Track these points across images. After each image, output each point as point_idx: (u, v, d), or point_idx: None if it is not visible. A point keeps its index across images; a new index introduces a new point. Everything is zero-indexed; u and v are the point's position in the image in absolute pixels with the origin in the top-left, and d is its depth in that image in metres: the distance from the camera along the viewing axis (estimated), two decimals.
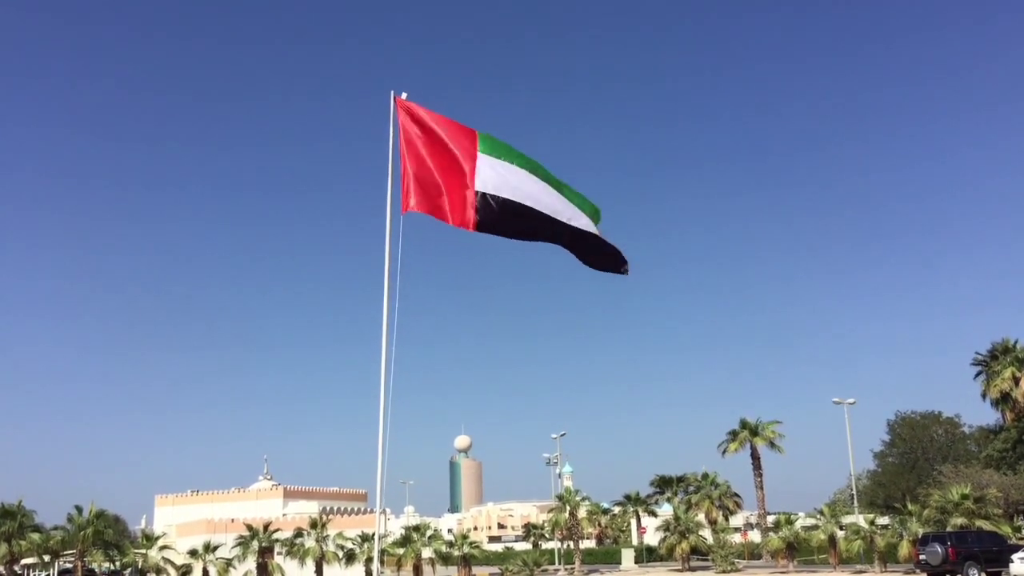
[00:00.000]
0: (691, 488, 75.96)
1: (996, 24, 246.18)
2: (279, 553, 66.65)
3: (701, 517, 66.65)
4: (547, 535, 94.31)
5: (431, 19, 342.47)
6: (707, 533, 65.37)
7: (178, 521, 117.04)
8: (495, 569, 66.38)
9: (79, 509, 58.80)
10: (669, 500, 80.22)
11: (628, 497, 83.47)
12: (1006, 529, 47.63)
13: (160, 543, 65.81)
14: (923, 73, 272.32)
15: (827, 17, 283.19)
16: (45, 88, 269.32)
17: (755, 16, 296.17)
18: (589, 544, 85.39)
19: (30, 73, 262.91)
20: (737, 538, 74.51)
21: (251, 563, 64.50)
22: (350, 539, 66.17)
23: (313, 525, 66.58)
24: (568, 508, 70.04)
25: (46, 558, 62.76)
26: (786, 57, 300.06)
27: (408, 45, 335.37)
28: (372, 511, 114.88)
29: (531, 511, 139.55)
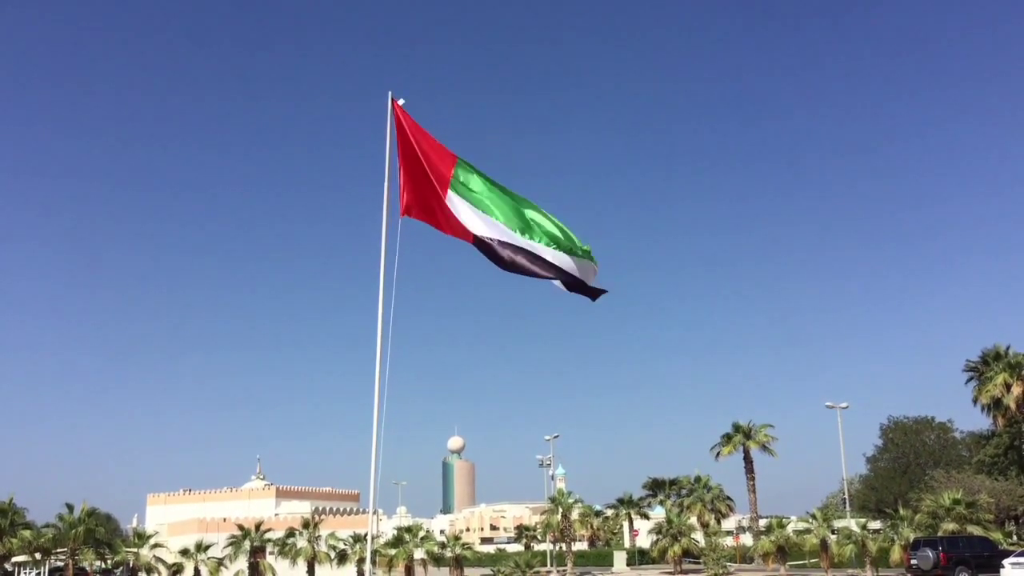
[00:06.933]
0: (684, 491, 76.15)
1: (994, 33, 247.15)
2: (271, 553, 66.47)
3: (693, 520, 66.72)
4: (539, 537, 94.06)
5: (430, 22, 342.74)
6: (699, 536, 65.40)
7: (170, 520, 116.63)
8: (487, 571, 66.16)
9: (70, 507, 58.62)
10: (662, 503, 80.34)
11: (621, 500, 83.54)
12: (997, 535, 47.75)
13: (152, 542, 65.62)
14: (920, 82, 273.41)
15: (833, 24, 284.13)
16: (42, 89, 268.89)
17: (763, 22, 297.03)
18: (581, 546, 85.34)
19: (30, 74, 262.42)
20: (729, 541, 74.59)
21: (243, 563, 64.30)
22: (342, 539, 65.96)
23: (305, 525, 66.40)
24: (561, 510, 70.00)
25: (37, 556, 62.43)
26: (788, 64, 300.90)
27: (408, 47, 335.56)
28: (364, 511, 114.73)
29: (524, 513, 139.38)
